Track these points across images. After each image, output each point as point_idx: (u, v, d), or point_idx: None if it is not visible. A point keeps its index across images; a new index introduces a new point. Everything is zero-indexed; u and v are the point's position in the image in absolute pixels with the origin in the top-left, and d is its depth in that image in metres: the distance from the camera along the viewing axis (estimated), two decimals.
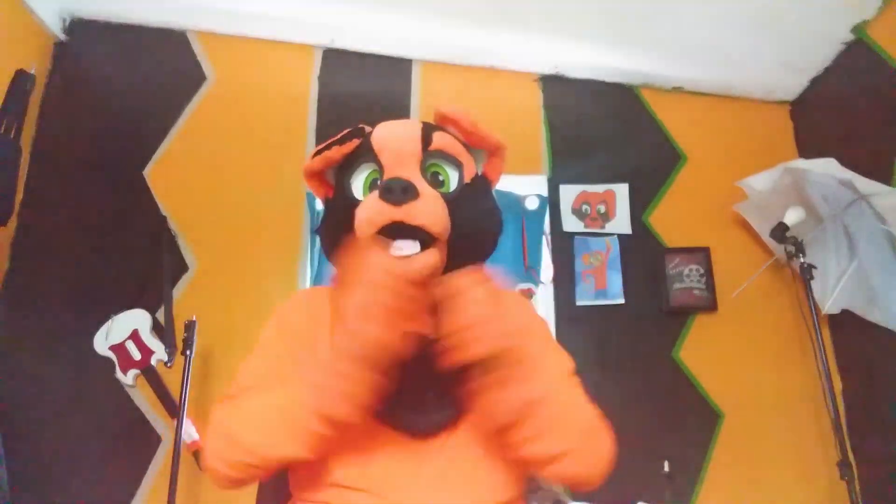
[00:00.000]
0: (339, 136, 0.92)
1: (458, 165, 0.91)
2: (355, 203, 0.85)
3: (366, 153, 0.90)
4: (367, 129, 0.94)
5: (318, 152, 0.93)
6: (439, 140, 0.90)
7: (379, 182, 0.86)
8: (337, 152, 0.92)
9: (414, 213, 0.78)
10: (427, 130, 0.91)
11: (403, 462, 0.81)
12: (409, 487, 0.79)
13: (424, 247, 0.81)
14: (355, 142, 0.92)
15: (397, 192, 0.78)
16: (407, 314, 0.73)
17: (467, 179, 0.92)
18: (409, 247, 0.80)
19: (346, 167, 0.93)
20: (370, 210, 0.81)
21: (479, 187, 0.94)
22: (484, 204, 0.94)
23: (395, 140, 0.89)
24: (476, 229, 0.90)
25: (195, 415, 1.97)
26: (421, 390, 0.82)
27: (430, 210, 0.80)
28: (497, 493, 0.82)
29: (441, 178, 0.89)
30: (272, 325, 0.95)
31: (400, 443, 0.81)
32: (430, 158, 0.89)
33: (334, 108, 2.44)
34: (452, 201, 0.87)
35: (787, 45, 2.30)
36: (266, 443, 0.75)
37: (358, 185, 0.91)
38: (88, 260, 2.18)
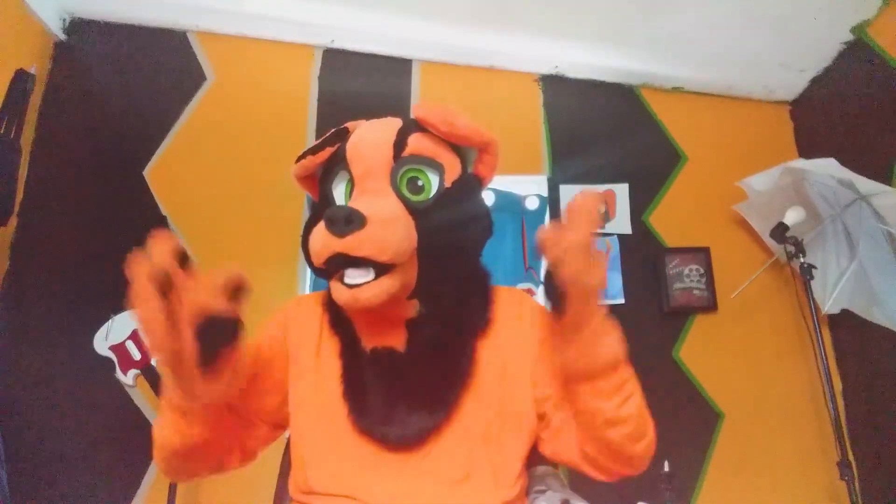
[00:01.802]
0: (319, 141, 0.91)
1: (438, 168, 0.86)
2: None
3: (342, 160, 0.88)
4: (353, 127, 0.92)
5: (299, 159, 0.91)
6: (415, 143, 0.86)
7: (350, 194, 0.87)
8: (311, 162, 0.90)
9: (357, 244, 0.74)
10: (403, 134, 0.87)
11: (380, 472, 0.80)
12: (388, 499, 0.78)
13: (382, 272, 0.78)
14: (328, 151, 0.89)
15: (339, 223, 0.74)
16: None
17: (449, 182, 0.87)
18: (360, 275, 0.77)
19: (327, 173, 0.91)
20: (316, 241, 0.78)
21: (463, 189, 0.89)
22: (466, 208, 0.88)
23: (365, 149, 0.86)
24: (452, 238, 0.86)
25: None
26: (389, 404, 0.81)
27: (376, 239, 0.75)
28: (489, 496, 0.80)
29: (420, 182, 0.85)
30: (256, 335, 0.94)
31: (379, 454, 0.80)
32: (406, 164, 0.85)
33: (334, 107, 2.44)
34: (427, 210, 0.83)
35: (787, 45, 2.31)
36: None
37: (339, 193, 0.89)
38: (88, 260, 2.17)
